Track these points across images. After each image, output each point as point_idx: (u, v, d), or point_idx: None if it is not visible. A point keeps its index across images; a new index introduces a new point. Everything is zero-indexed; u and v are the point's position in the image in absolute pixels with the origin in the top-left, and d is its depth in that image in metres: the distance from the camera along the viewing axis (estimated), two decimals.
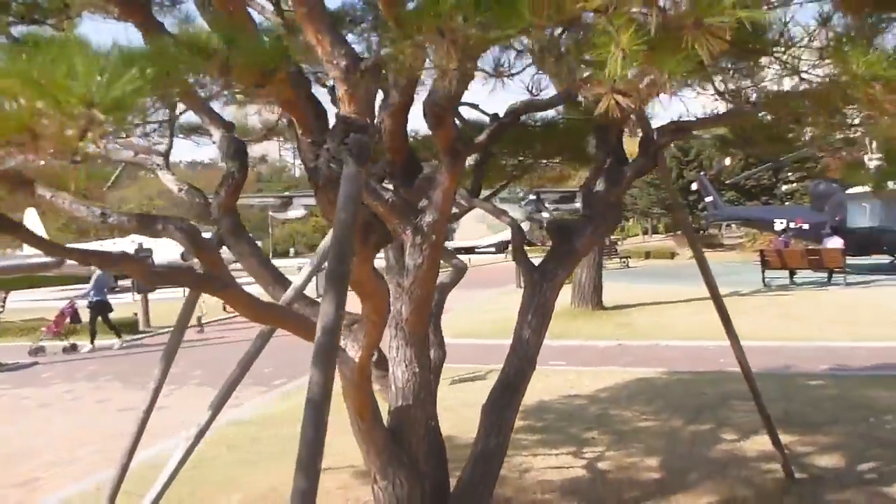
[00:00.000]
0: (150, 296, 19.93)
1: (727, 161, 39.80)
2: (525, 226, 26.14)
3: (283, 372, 11.60)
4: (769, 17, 2.85)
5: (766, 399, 5.99)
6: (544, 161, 6.53)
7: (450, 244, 31.87)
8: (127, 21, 3.58)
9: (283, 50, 2.00)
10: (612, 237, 33.34)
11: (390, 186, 3.79)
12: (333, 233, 2.40)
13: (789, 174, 39.77)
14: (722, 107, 4.40)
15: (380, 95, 3.33)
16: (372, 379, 4.05)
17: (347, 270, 2.38)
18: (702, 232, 39.38)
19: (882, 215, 21.59)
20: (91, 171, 1.96)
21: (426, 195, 3.69)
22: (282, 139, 6.93)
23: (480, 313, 17.81)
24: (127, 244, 27.03)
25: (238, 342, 13.42)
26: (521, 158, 6.42)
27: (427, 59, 2.39)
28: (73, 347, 15.94)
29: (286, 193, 53.06)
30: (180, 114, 4.54)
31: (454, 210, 5.10)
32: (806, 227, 24.81)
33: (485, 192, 6.13)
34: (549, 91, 4.27)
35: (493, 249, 46.66)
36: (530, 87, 4.17)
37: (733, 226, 38.81)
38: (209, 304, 18.06)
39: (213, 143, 4.38)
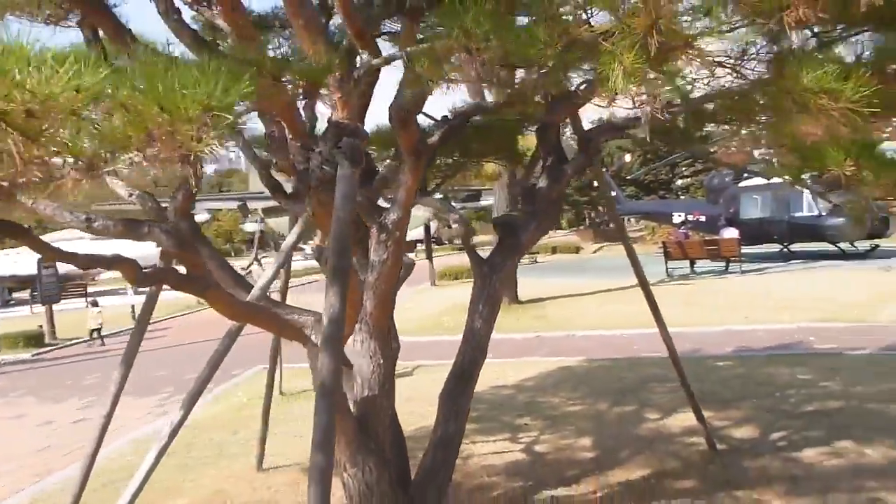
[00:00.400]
0: (54, 307, 19.03)
1: (627, 157, 41.43)
2: (433, 225, 26.12)
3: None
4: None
5: None
6: (475, 160, 6.79)
7: None
8: (96, 28, 3.57)
9: (330, 62, 2.15)
10: None
11: None
12: (333, 230, 2.55)
13: (684, 169, 41.71)
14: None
15: None
16: None
17: (349, 265, 2.54)
18: (605, 226, 40.85)
19: (772, 206, 23.04)
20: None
21: (384, 195, 3.86)
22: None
23: (400, 311, 17.83)
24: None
25: (142, 351, 13.09)
26: (455, 157, 6.65)
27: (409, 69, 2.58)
28: None
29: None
30: None
31: None
32: (703, 219, 26.13)
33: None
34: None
35: None
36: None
37: (632, 220, 40.35)
38: (105, 316, 17.44)
39: None
